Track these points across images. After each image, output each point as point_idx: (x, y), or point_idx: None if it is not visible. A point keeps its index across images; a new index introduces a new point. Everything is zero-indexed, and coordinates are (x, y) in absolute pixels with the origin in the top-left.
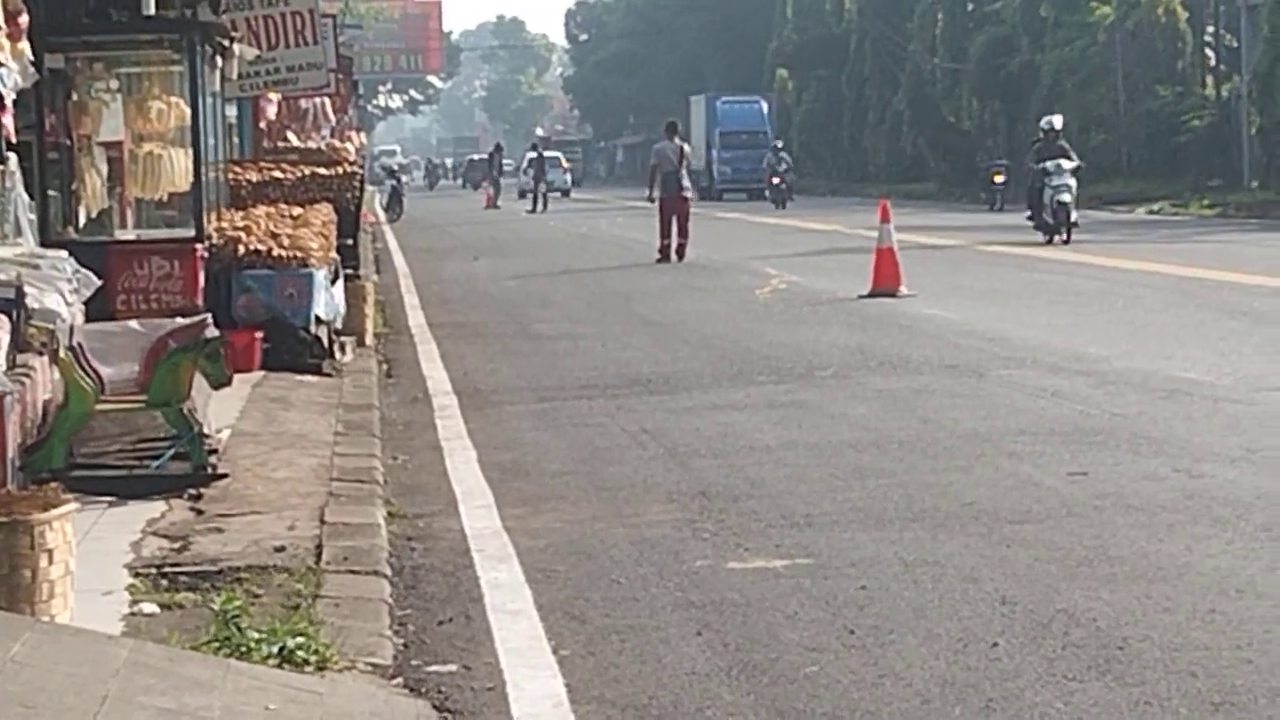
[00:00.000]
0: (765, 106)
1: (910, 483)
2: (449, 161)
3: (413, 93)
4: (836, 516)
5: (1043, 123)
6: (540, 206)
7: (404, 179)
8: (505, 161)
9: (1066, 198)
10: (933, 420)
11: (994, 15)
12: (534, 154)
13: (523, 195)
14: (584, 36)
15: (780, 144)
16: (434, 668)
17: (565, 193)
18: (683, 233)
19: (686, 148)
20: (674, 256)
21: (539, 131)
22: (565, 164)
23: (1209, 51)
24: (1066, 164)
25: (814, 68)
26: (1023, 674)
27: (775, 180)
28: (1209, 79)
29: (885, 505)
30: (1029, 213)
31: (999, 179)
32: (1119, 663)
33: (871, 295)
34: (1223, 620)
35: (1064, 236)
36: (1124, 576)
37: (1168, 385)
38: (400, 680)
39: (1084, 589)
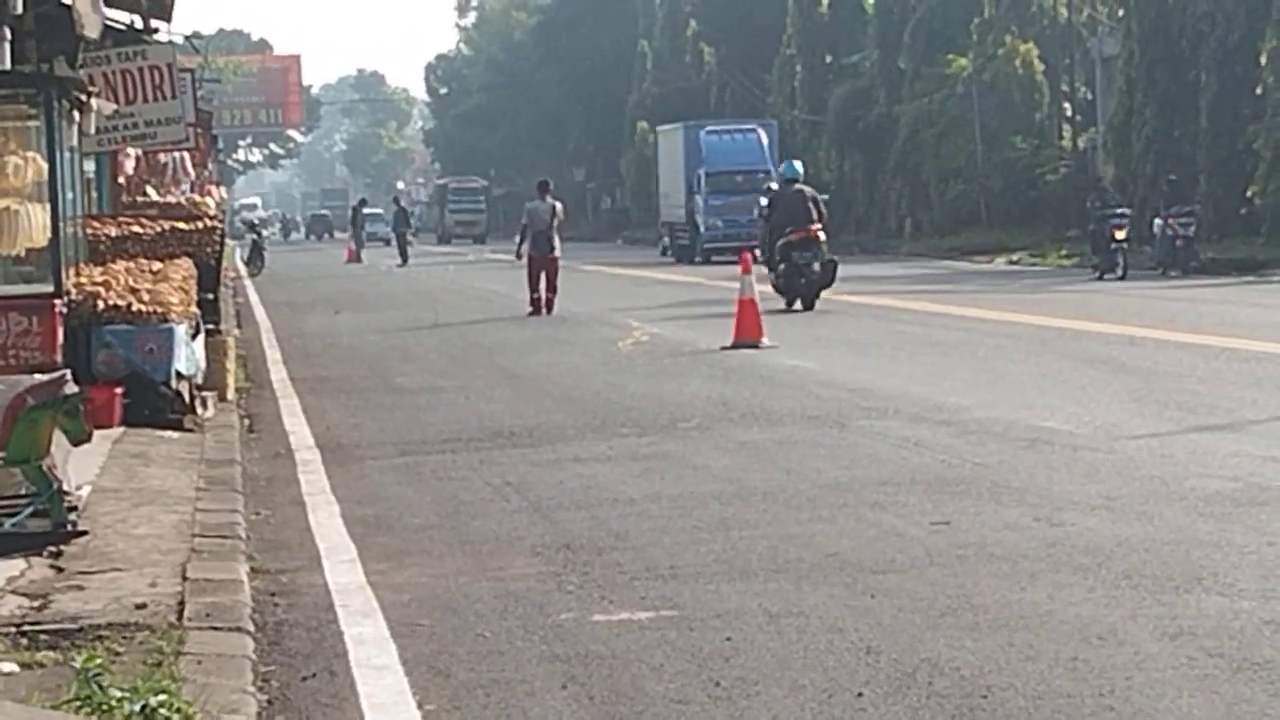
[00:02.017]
0: (764, 137)
1: (774, 534)
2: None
3: (273, 146)
4: (701, 568)
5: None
6: (405, 260)
7: (265, 233)
8: (368, 212)
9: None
10: (796, 471)
11: (852, 68)
12: (397, 207)
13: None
14: (444, 90)
15: (775, 185)
16: None
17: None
18: (551, 288)
19: (559, 206)
20: (544, 310)
21: (400, 185)
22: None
23: (1065, 103)
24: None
25: (675, 120)
26: None
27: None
28: (1065, 130)
29: (749, 556)
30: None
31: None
32: (983, 711)
33: (734, 347)
34: (1085, 668)
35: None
36: (987, 625)
37: (1028, 434)
38: None
39: (948, 638)
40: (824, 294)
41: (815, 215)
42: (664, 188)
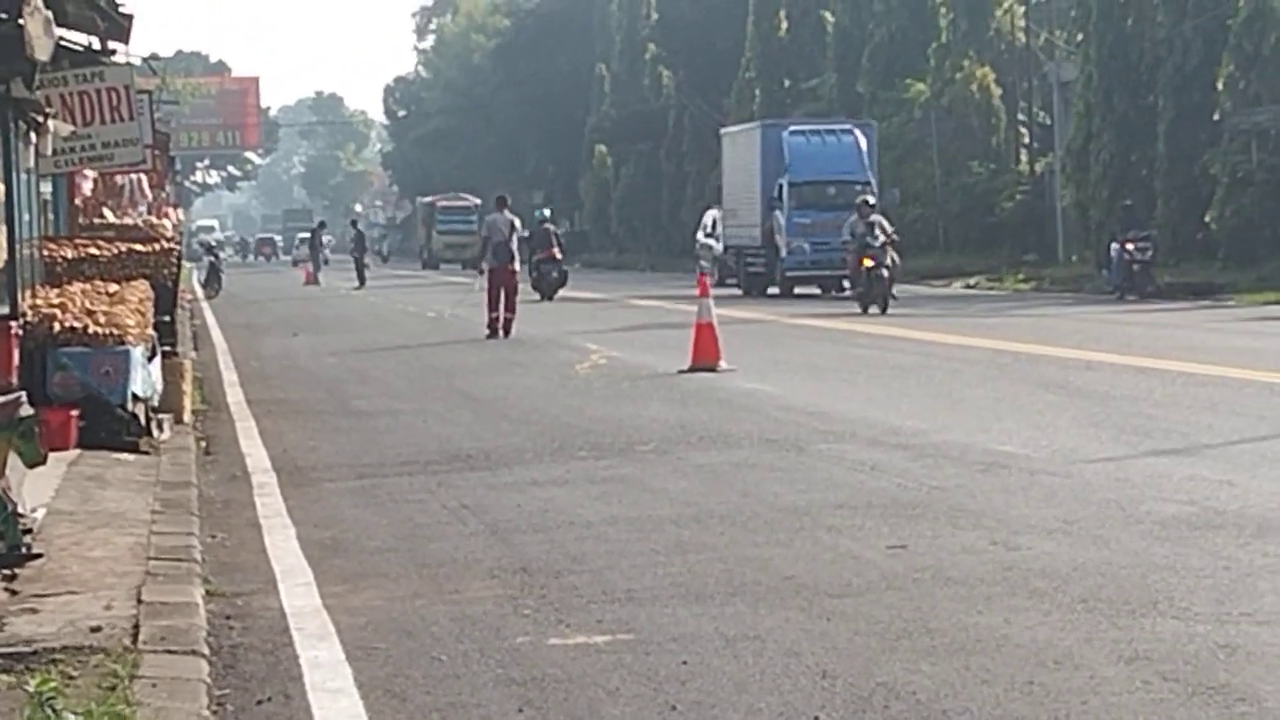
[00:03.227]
0: (862, 140)
1: (730, 557)
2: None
3: (231, 168)
4: (657, 591)
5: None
6: (362, 283)
7: (222, 255)
8: (326, 238)
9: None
10: (753, 494)
11: (810, 92)
12: (355, 230)
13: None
14: (402, 113)
15: (873, 200)
16: None
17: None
18: (510, 308)
19: (517, 221)
20: (501, 333)
21: (358, 208)
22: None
23: (1023, 128)
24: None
25: (633, 142)
26: None
27: (868, 262)
28: (1023, 155)
29: (706, 580)
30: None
31: None
32: None
33: (691, 370)
34: (1041, 691)
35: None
36: (943, 649)
37: (985, 458)
38: None
39: (904, 662)
40: (775, 317)
41: None
42: (730, 202)
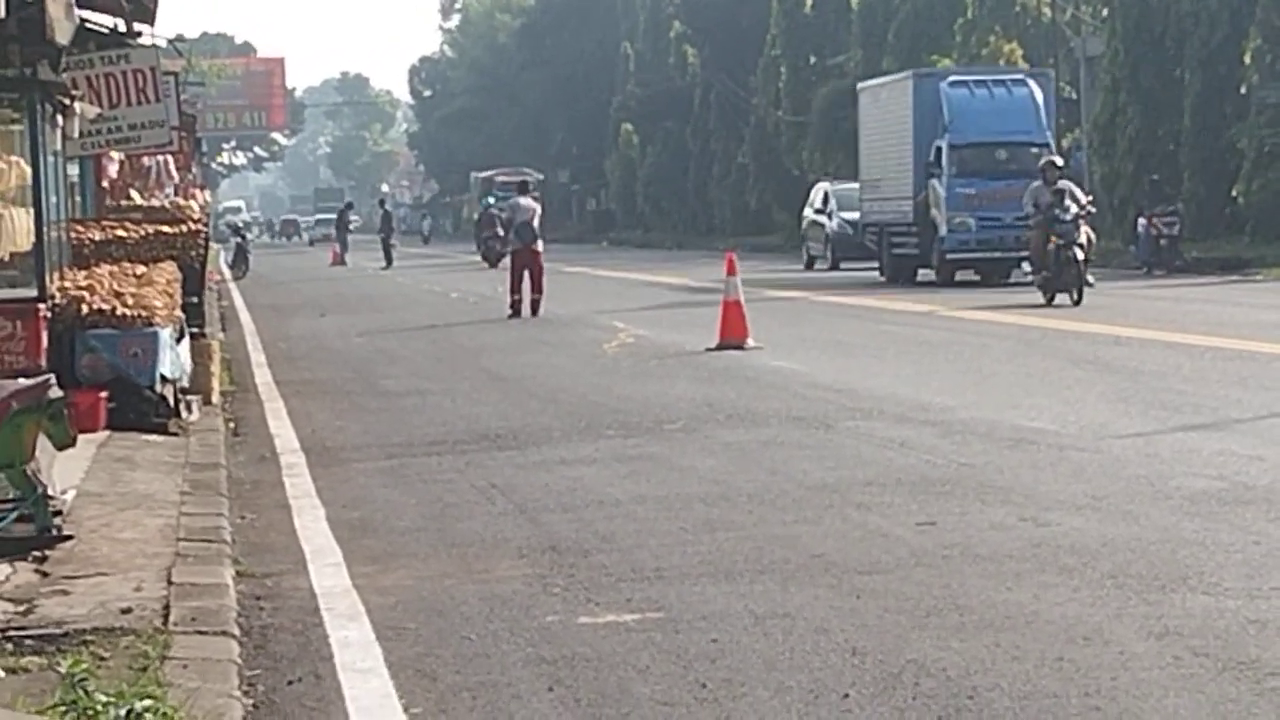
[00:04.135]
0: (1038, 92)
1: (759, 535)
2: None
3: (257, 149)
4: (686, 570)
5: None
6: (389, 263)
7: (249, 236)
8: (353, 218)
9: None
10: (781, 472)
11: (836, 69)
12: (382, 210)
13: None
14: (428, 92)
15: (1060, 160)
16: None
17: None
18: (537, 288)
19: (538, 206)
20: (528, 311)
21: (384, 188)
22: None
23: None
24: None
25: (659, 121)
26: None
27: (1056, 239)
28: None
29: (735, 558)
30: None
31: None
32: (969, 712)
33: (719, 348)
34: (1070, 668)
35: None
36: (973, 626)
37: (1014, 434)
38: None
39: (933, 639)
40: (808, 295)
41: None
42: (868, 171)
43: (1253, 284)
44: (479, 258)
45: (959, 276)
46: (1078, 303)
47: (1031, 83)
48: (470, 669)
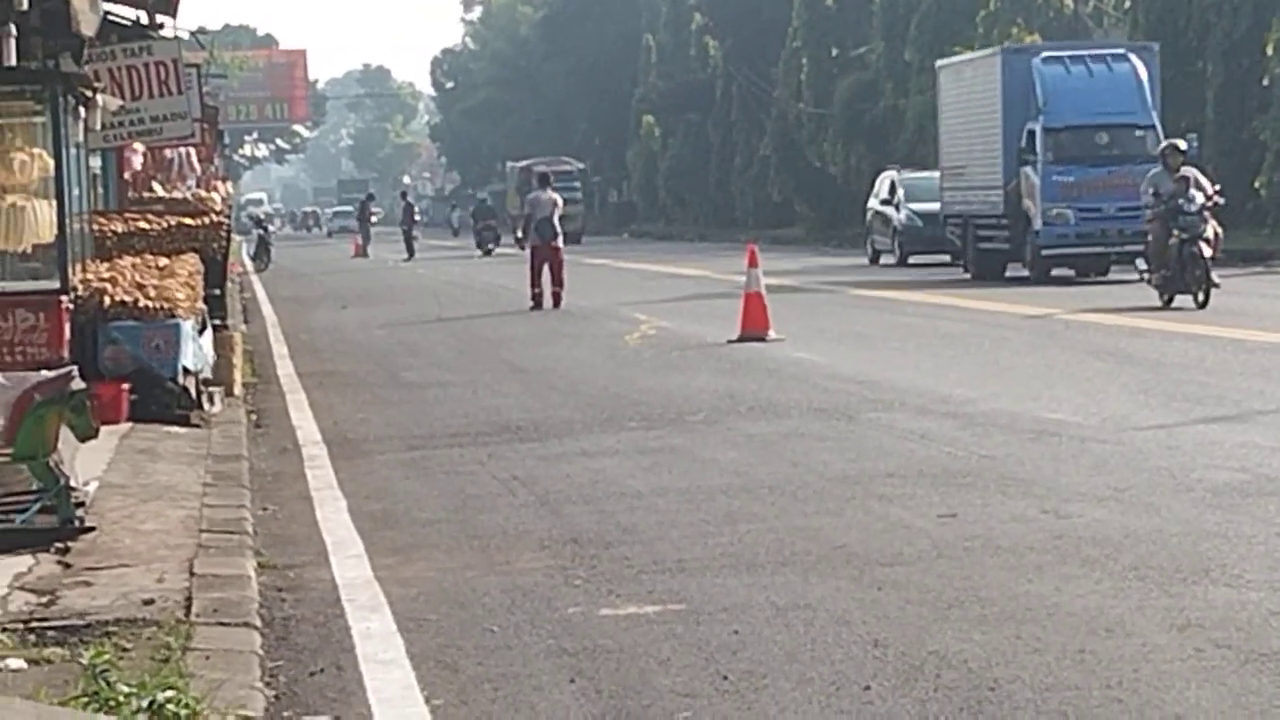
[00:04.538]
0: (1142, 69)
1: (781, 527)
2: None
3: (279, 141)
4: (708, 561)
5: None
6: (411, 254)
7: (271, 228)
8: (374, 210)
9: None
10: (802, 464)
11: (858, 61)
12: (404, 202)
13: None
14: (450, 84)
15: (1184, 144)
16: (306, 719)
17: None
18: (557, 281)
19: (559, 199)
20: (549, 303)
21: (406, 180)
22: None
23: None
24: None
25: (680, 113)
26: (895, 717)
27: (1179, 232)
28: None
29: (756, 549)
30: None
31: None
32: (990, 704)
33: (740, 340)
34: (1092, 660)
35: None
36: (994, 618)
37: (1035, 426)
38: None
39: (955, 631)
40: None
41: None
42: (949, 157)
43: (1275, 275)
44: (476, 249)
45: (1057, 272)
46: (1203, 305)
47: (1133, 57)
48: (492, 660)
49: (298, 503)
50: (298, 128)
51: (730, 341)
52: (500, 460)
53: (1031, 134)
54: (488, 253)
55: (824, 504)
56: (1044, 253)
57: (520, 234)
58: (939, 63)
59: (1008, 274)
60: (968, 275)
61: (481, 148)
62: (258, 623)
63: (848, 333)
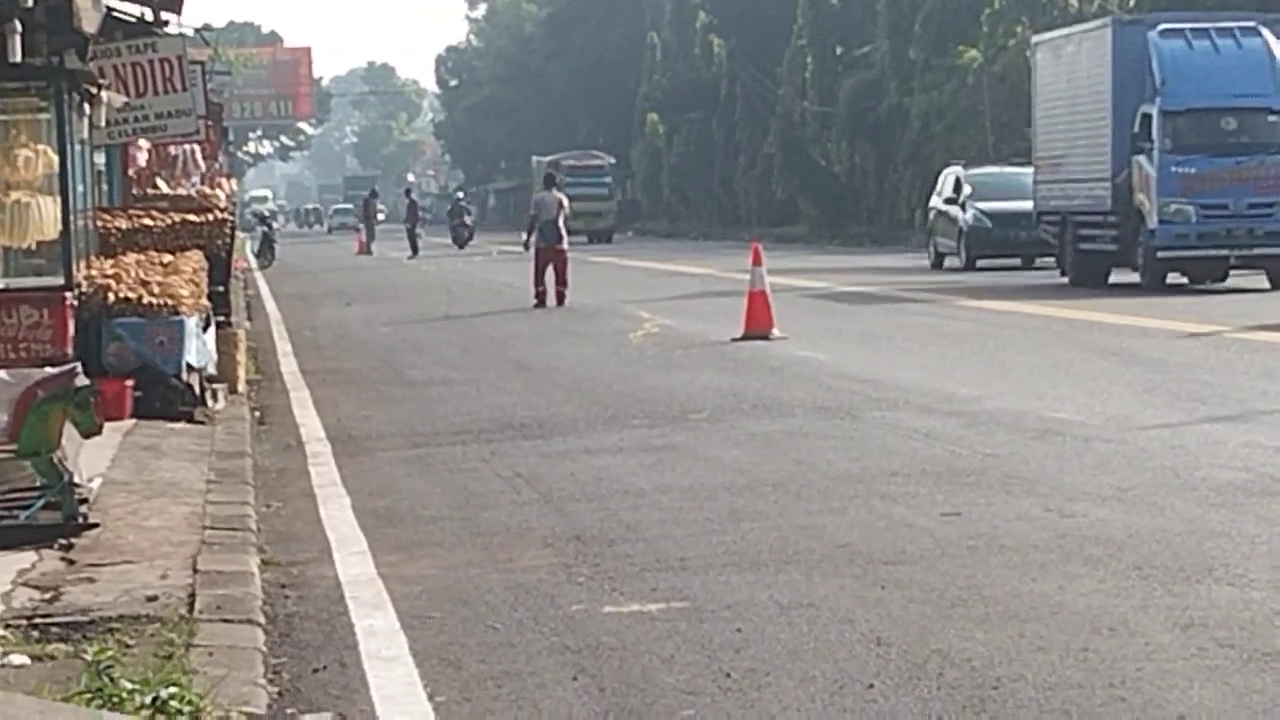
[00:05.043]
0: (1274, 43)
1: (784, 525)
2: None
3: (284, 139)
4: (711, 559)
5: None
6: (415, 252)
7: (275, 225)
8: (380, 207)
9: None
10: (806, 462)
11: (863, 59)
12: (409, 200)
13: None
14: (454, 82)
15: None
16: (309, 716)
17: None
18: (561, 281)
19: (564, 199)
20: (552, 301)
21: (410, 177)
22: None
23: None
24: None
25: (685, 111)
26: (899, 715)
27: None
28: None
29: (760, 548)
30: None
31: None
32: (994, 703)
33: (744, 338)
34: (1096, 659)
35: None
36: (998, 616)
37: (1039, 425)
38: None
39: (958, 629)
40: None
41: None
42: (1046, 146)
43: None
44: (471, 247)
45: (1180, 283)
46: None
47: (1265, 32)
48: (495, 658)
49: (301, 500)
50: (302, 125)
51: (734, 340)
52: (504, 458)
53: (1146, 118)
54: (461, 247)
55: (827, 502)
56: (1159, 255)
57: (525, 235)
58: (1034, 39)
59: (1111, 279)
60: (1065, 280)
61: (486, 145)
62: (261, 619)
63: (852, 331)
